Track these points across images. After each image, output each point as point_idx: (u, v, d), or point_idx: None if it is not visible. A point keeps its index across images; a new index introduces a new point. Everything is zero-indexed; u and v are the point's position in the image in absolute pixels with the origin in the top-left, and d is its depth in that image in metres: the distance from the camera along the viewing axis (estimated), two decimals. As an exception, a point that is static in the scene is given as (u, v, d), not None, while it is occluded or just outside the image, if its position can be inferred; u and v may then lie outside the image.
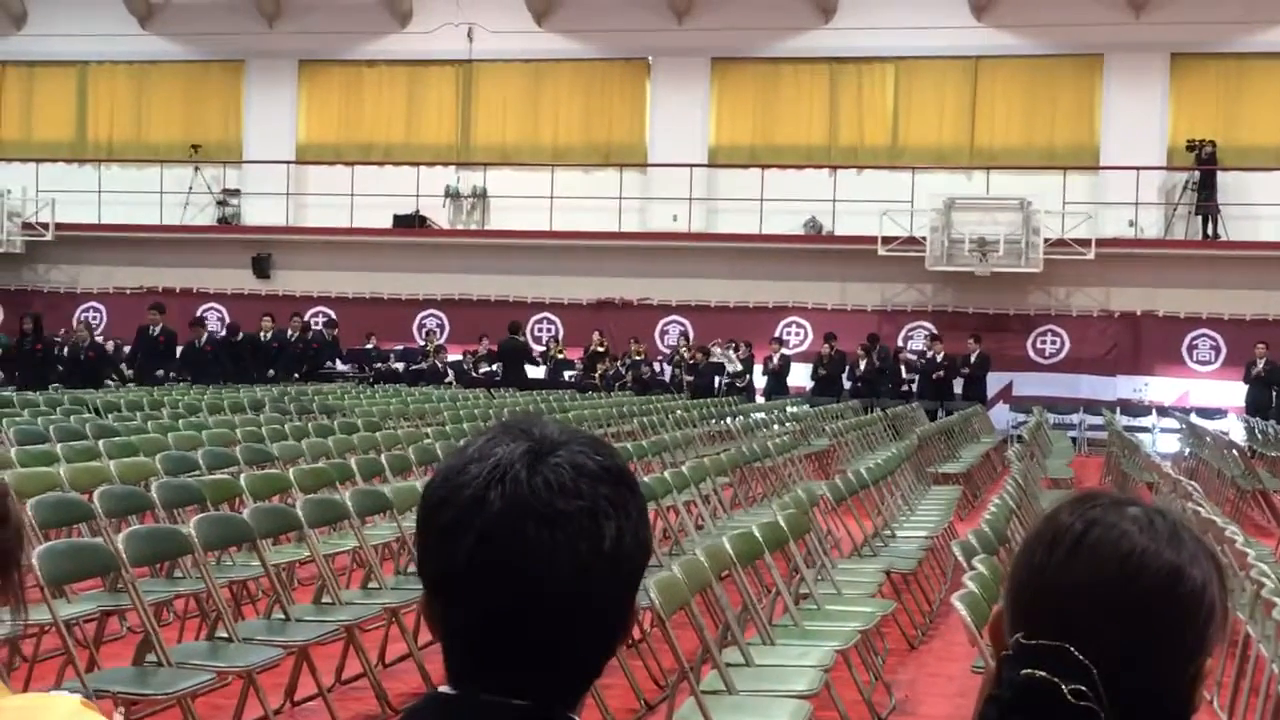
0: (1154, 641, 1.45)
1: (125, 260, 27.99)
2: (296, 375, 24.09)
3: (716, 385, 24.22)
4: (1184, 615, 1.46)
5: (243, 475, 9.05)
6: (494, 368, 25.05)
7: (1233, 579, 6.56)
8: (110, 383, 21.11)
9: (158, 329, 23.41)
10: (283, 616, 6.56)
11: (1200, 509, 8.83)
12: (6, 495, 1.72)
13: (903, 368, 24.16)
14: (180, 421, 13.37)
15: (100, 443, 10.45)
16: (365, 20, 27.92)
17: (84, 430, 11.65)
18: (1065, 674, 1.42)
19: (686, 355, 24.71)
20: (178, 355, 23.76)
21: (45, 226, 27.69)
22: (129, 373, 23.18)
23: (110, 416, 14.00)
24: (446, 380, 24.40)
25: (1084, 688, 1.41)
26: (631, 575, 1.42)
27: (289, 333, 25.12)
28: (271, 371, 23.88)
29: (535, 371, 25.20)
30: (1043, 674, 1.42)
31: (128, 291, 27.65)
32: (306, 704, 6.66)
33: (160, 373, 22.61)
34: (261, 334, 24.94)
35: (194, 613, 7.86)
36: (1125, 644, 1.44)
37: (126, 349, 24.31)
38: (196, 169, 28.27)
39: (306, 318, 26.37)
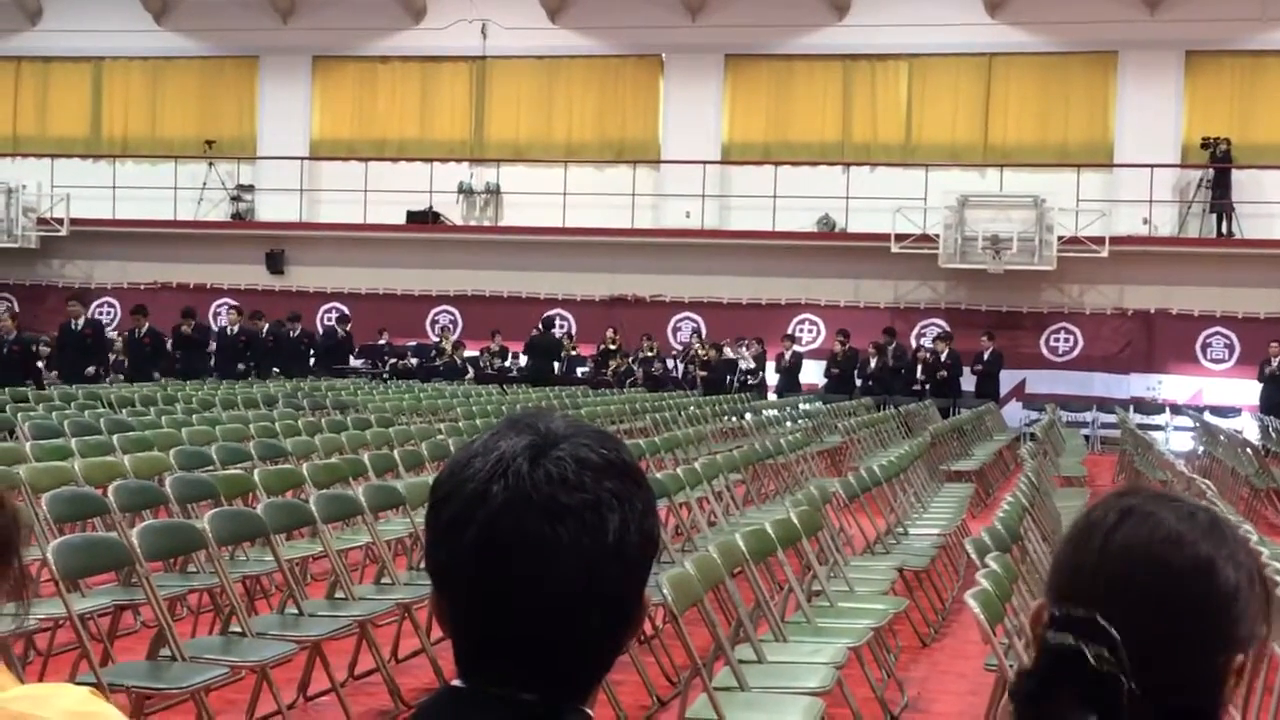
0: (1181, 629, 1.45)
1: (139, 256, 28.06)
2: (275, 371, 22.66)
3: (730, 382, 24.20)
4: (1213, 606, 1.46)
5: (256, 470, 9.09)
6: (508, 362, 25.06)
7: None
8: (30, 383, 18.32)
9: (80, 323, 21.09)
10: (296, 612, 6.57)
11: (1214, 508, 8.80)
12: None
13: (919, 366, 24.10)
14: (194, 417, 13.41)
15: (114, 437, 10.48)
16: (379, 16, 27.95)
17: (98, 425, 11.69)
18: (1092, 640, 1.43)
19: (700, 352, 24.69)
20: (116, 348, 22.41)
21: (60, 222, 27.78)
22: (51, 373, 20.98)
23: (124, 411, 14.06)
24: (468, 376, 24.40)
25: (1107, 651, 1.41)
26: (638, 569, 1.41)
27: (262, 329, 23.96)
28: (243, 367, 22.15)
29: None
30: (1070, 640, 1.43)
31: (141, 287, 27.70)
32: (319, 699, 6.68)
33: (92, 370, 20.40)
34: (229, 328, 23.83)
35: (208, 607, 7.88)
36: (1152, 629, 1.44)
37: (46, 346, 21.90)
38: (210, 165, 28.32)
39: (311, 313, 26.26)
